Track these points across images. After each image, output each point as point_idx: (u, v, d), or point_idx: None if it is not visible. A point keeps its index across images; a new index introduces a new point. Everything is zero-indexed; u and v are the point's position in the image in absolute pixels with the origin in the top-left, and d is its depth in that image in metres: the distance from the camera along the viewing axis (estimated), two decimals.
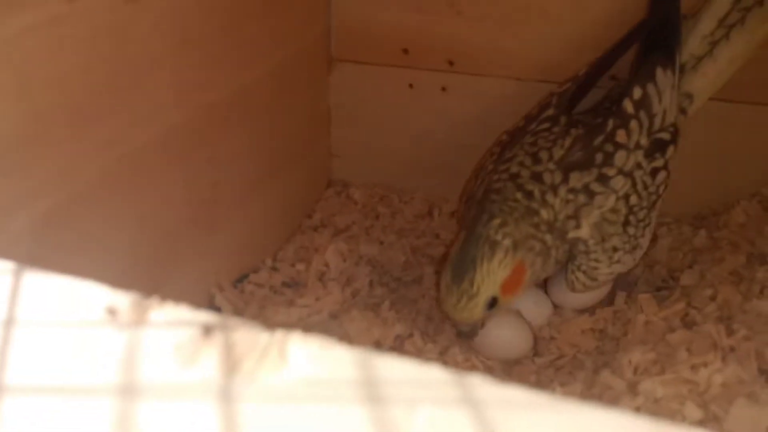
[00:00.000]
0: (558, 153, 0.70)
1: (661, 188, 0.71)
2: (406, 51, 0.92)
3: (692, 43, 0.72)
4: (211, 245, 0.72)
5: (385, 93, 0.95)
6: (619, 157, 0.68)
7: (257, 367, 0.28)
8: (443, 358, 0.71)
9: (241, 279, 0.79)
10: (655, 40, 0.71)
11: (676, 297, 0.73)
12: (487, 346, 0.72)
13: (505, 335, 0.71)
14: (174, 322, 0.31)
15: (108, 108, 0.53)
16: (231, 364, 0.28)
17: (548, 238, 0.67)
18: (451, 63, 0.91)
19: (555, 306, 0.77)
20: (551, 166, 0.69)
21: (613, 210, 0.68)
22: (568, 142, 0.70)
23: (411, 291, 0.82)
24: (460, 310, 0.66)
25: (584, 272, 0.69)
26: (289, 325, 0.72)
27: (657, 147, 0.70)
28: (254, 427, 0.24)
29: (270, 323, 0.72)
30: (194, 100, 0.64)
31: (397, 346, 0.72)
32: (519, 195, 0.68)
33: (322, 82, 0.96)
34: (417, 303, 0.80)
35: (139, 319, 0.31)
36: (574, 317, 0.75)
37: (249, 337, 0.30)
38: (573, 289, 0.71)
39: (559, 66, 0.82)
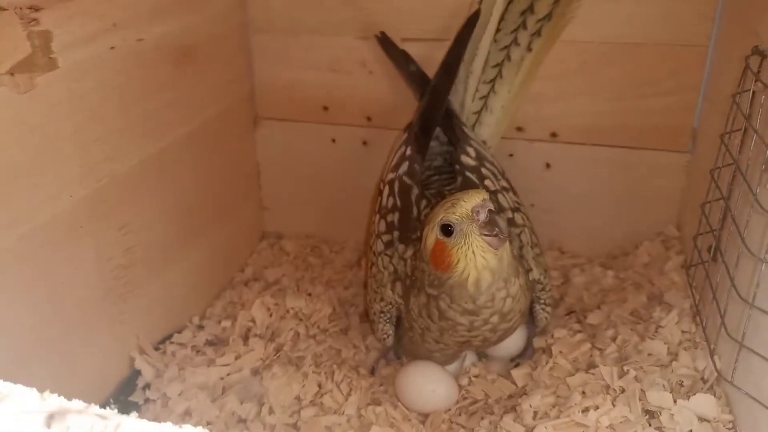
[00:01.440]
0: None
1: None
2: (326, 108, 0.96)
3: (468, 103, 0.83)
4: (129, 310, 0.73)
5: (310, 148, 0.99)
6: (501, 199, 0.75)
7: None
8: (362, 410, 0.73)
9: (165, 339, 0.80)
10: (446, 115, 0.81)
11: (582, 338, 0.76)
12: (413, 400, 0.74)
13: (431, 389, 0.73)
14: (21, 412, 0.33)
15: (6, 193, 0.55)
16: None
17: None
18: (369, 118, 0.95)
19: (482, 357, 0.80)
20: None
21: (534, 244, 0.75)
22: None
23: (338, 342, 0.84)
24: (476, 191, 0.64)
25: (548, 304, 0.74)
26: (208, 386, 0.74)
27: (510, 186, 0.79)
28: None
29: (188, 384, 0.74)
30: (102, 172, 0.66)
31: (317, 401, 0.74)
32: None
33: (249, 140, 0.99)
34: (342, 354, 0.82)
35: None
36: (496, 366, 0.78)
37: (86, 423, 0.32)
38: (544, 323, 0.74)
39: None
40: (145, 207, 0.74)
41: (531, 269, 0.72)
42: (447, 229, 0.62)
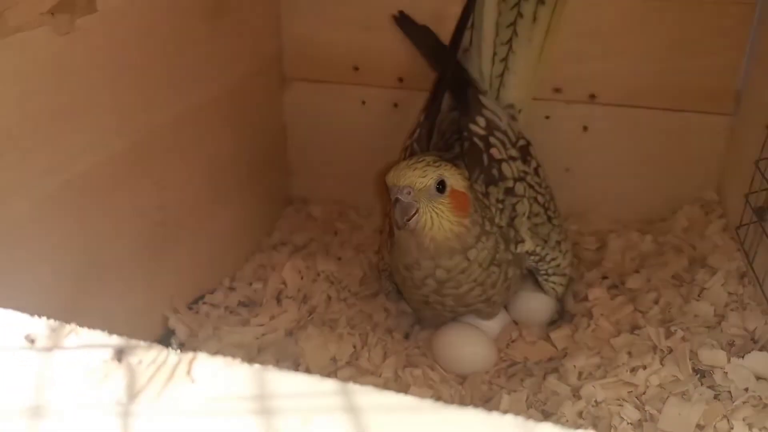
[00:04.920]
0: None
1: (547, 180, 0.79)
2: (356, 68, 0.94)
3: (486, 68, 0.80)
4: (163, 268, 0.72)
5: (339, 110, 0.97)
6: (505, 168, 0.74)
7: (165, 385, 0.29)
8: (399, 372, 0.72)
9: (198, 300, 0.79)
10: (458, 82, 0.79)
11: (623, 301, 0.74)
12: (451, 362, 0.73)
13: (471, 351, 0.72)
14: (87, 346, 0.32)
15: (45, 137, 0.53)
16: (138, 385, 0.29)
17: (488, 224, 0.68)
18: (401, 80, 0.93)
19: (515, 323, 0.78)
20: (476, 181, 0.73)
21: (535, 213, 0.74)
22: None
23: (369, 306, 0.83)
24: (411, 169, 0.62)
25: (553, 274, 0.73)
26: (244, 345, 0.73)
27: (524, 152, 0.77)
28: None
29: (224, 343, 0.73)
30: (138, 124, 0.64)
31: (353, 362, 0.73)
32: None
33: (277, 101, 0.97)
34: (374, 318, 0.81)
35: (55, 345, 0.32)
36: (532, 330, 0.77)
37: (158, 358, 0.31)
38: (557, 296, 0.75)
39: None
40: (179, 163, 0.72)
41: (523, 240, 0.72)
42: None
